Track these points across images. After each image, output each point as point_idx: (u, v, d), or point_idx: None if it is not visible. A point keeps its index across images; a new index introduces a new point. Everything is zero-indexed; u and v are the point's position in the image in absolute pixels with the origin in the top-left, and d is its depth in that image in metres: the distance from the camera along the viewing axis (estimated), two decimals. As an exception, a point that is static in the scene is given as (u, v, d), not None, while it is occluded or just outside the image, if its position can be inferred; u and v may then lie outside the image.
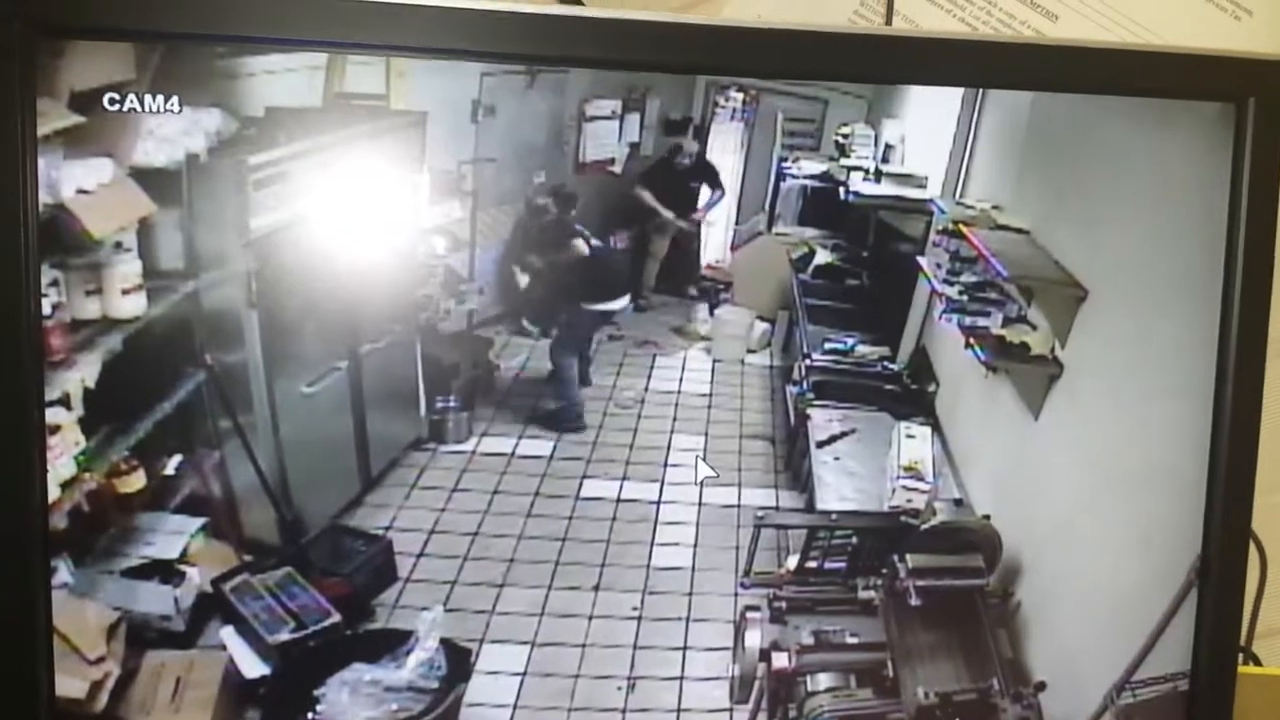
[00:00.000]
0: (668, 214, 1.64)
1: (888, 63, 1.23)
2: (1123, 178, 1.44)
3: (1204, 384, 1.33)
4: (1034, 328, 1.55)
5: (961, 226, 1.57)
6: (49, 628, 1.08)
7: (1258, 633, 1.61)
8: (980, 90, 1.54)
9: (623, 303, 1.67)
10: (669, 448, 1.63)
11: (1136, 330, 1.44)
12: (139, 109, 1.10)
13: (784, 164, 1.71)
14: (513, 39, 1.15)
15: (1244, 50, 1.27)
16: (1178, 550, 1.35)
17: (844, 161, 1.65)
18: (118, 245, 1.20)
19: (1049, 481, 1.56)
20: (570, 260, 1.56)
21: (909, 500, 1.56)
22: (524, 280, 1.61)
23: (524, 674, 1.45)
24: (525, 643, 1.47)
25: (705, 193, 1.71)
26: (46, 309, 1.10)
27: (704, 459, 1.59)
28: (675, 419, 1.67)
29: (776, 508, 1.62)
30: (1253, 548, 1.43)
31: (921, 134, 1.67)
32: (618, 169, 1.61)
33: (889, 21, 1.52)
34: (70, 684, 1.14)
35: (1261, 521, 1.41)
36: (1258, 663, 1.62)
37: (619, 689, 1.47)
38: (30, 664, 1.07)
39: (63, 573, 1.16)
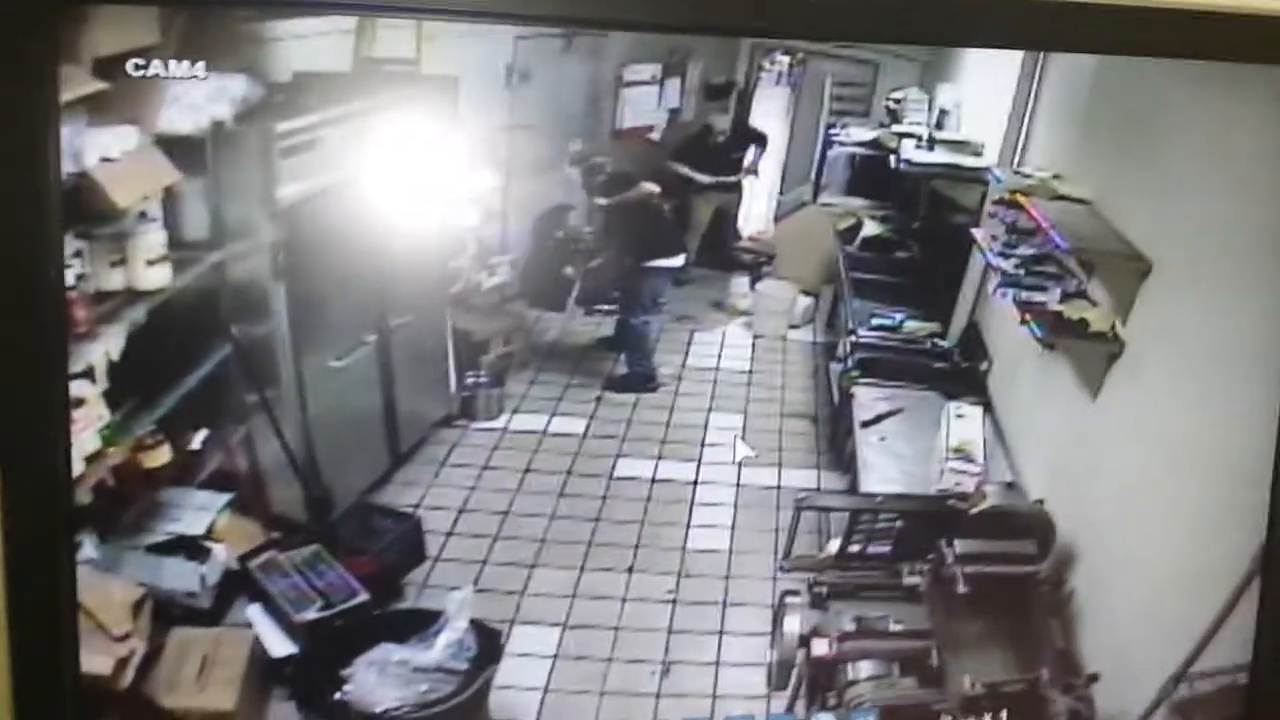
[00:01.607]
0: (704, 178, 1.61)
1: (945, 24, 1.19)
2: (1191, 146, 1.39)
3: (1274, 363, 1.31)
4: (1094, 303, 1.51)
5: (1019, 196, 1.54)
6: (74, 603, 1.08)
7: (1323, 625, 1.57)
8: (1041, 54, 1.49)
9: (680, 260, 1.64)
10: (707, 426, 1.61)
11: (1203, 306, 1.40)
12: (163, 75, 1.08)
13: (832, 131, 1.68)
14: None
15: (1323, 12, 1.22)
16: (1241, 537, 1.33)
17: (895, 128, 1.62)
18: (142, 215, 1.18)
19: (1107, 464, 1.52)
20: (639, 200, 1.54)
21: (958, 483, 1.53)
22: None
23: (555, 657, 1.44)
24: (557, 625, 1.46)
25: (750, 154, 1.68)
26: (70, 280, 1.09)
27: (743, 438, 1.56)
28: (714, 396, 1.64)
29: (818, 489, 1.60)
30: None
31: (978, 99, 1.62)
32: (657, 136, 1.58)
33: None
34: (95, 660, 1.14)
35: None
36: (1323, 656, 1.58)
37: (652, 673, 1.46)
38: (55, 640, 1.07)
39: (88, 548, 1.16)
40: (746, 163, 1.67)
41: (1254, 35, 1.22)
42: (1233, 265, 1.36)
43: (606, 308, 1.63)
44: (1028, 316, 1.52)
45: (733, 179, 1.66)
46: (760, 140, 1.67)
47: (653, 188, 1.56)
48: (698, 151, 1.61)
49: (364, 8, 1.17)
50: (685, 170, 1.59)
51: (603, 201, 1.54)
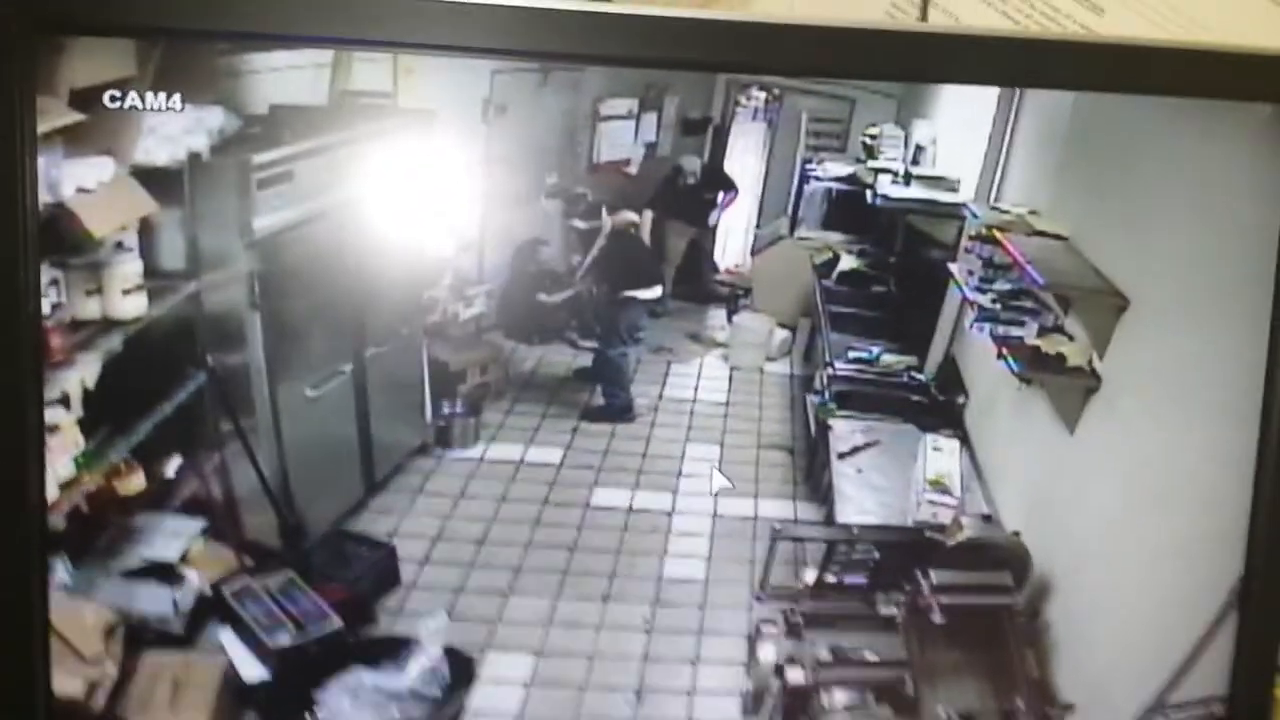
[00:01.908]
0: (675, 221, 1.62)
1: (923, 61, 1.19)
2: (1168, 182, 1.39)
3: (1250, 399, 1.29)
4: (1071, 338, 1.51)
5: (996, 232, 1.54)
6: (46, 627, 1.08)
7: (1299, 658, 1.56)
8: (1017, 90, 1.50)
9: (657, 291, 1.65)
10: (683, 457, 1.61)
11: (1180, 342, 1.40)
12: (140, 106, 1.10)
13: (808, 166, 1.69)
14: (525, 35, 1.13)
15: (1299, 49, 1.22)
16: (1217, 570, 1.32)
17: (871, 163, 1.62)
18: (118, 245, 1.20)
19: (1084, 498, 1.52)
20: (618, 229, 1.55)
21: (935, 515, 1.52)
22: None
23: (530, 684, 1.43)
24: (532, 652, 1.45)
25: (719, 202, 1.69)
26: (46, 309, 1.11)
27: (720, 469, 1.56)
28: (690, 428, 1.64)
29: (795, 520, 1.59)
30: (1295, 570, 1.40)
31: (954, 135, 1.63)
32: (633, 170, 1.59)
33: (924, 16, 1.48)
34: (68, 683, 1.14)
35: (1308, 543, 1.37)
36: (1298, 688, 1.57)
37: (627, 701, 1.45)
38: (28, 662, 1.07)
39: (61, 573, 1.17)
40: (714, 211, 1.68)
41: (1231, 72, 1.23)
42: (1210, 301, 1.36)
43: (582, 341, 1.64)
44: (1005, 351, 1.52)
45: (703, 223, 1.67)
46: (729, 187, 1.68)
47: (633, 216, 1.57)
48: (669, 195, 1.63)
49: (341, 42, 1.17)
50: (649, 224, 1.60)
51: (582, 225, 1.55)
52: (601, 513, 1.56)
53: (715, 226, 1.70)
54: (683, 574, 1.53)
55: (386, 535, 1.48)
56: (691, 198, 1.65)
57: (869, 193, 1.64)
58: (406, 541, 1.48)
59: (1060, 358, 1.50)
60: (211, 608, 1.30)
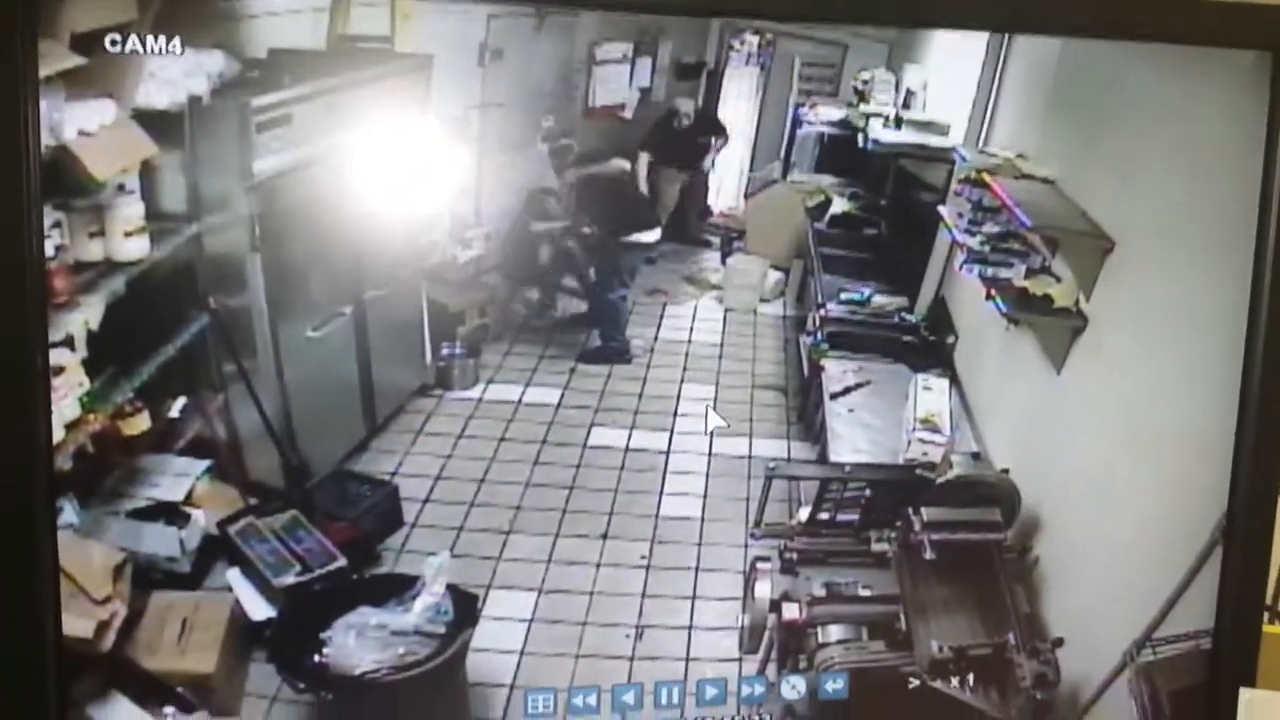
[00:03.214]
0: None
1: (913, 5, 1.21)
2: (1154, 127, 1.41)
3: (1234, 340, 1.31)
4: (1058, 280, 1.53)
5: (985, 175, 1.55)
6: (55, 567, 1.09)
7: (1284, 592, 1.59)
8: (1006, 36, 1.51)
9: (654, 235, 1.66)
10: (679, 397, 1.63)
11: (1165, 284, 1.42)
12: (140, 50, 1.09)
13: (800, 110, 1.70)
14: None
15: (1282, -2, 1.24)
16: (1203, 508, 1.34)
17: (863, 108, 1.64)
18: (120, 187, 1.19)
19: (1071, 436, 1.54)
20: (610, 176, 1.56)
21: (925, 453, 1.55)
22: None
23: (531, 620, 1.46)
24: (533, 589, 1.48)
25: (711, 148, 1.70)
26: (50, 251, 1.10)
27: (715, 409, 1.57)
28: (685, 368, 1.66)
29: (788, 459, 1.62)
30: (1280, 506, 1.42)
31: (944, 80, 1.64)
32: (628, 114, 1.59)
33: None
34: (77, 623, 1.15)
35: (1290, 480, 1.39)
36: (1284, 622, 1.60)
37: (627, 636, 1.47)
38: (37, 603, 1.07)
39: (68, 513, 1.17)
40: (707, 154, 1.69)
41: (1215, 20, 1.24)
42: (1193, 243, 1.38)
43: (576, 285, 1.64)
44: (993, 292, 1.53)
45: (699, 167, 1.68)
46: (720, 132, 1.68)
47: (624, 164, 1.57)
48: (663, 136, 1.64)
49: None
50: (644, 167, 1.60)
51: (572, 175, 1.55)
52: (599, 452, 1.58)
53: (708, 172, 1.71)
54: (679, 512, 1.56)
55: (389, 475, 1.49)
56: (685, 140, 1.66)
57: (860, 137, 1.66)
58: (408, 481, 1.50)
59: (1047, 298, 1.52)
60: (218, 547, 1.31)
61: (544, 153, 1.55)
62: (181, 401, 1.28)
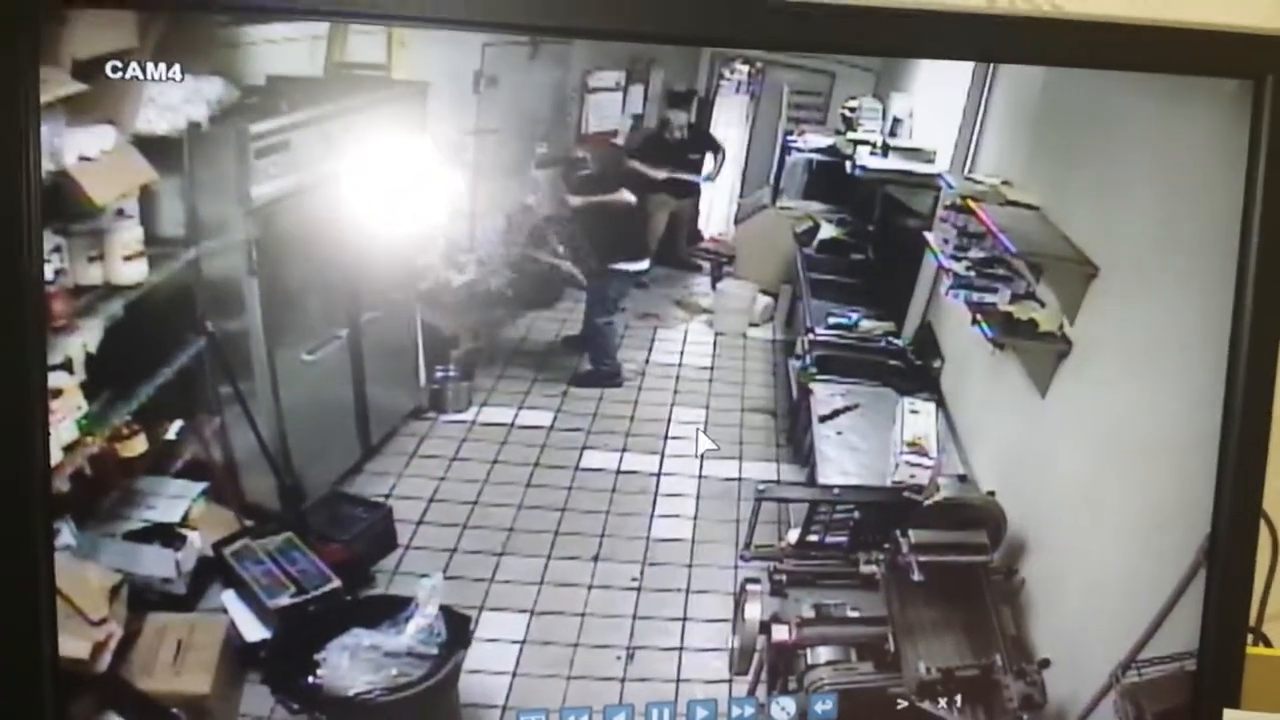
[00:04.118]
0: (658, 174, 1.63)
1: (899, 36, 1.24)
2: (1137, 154, 1.43)
3: (1216, 363, 1.33)
4: (1042, 304, 1.54)
5: (970, 202, 1.57)
6: (52, 589, 1.09)
7: (1268, 614, 1.61)
8: (992, 65, 1.52)
9: (645, 264, 1.67)
10: (670, 420, 1.63)
11: (1148, 308, 1.44)
12: (141, 77, 1.10)
13: (789, 137, 1.71)
14: (515, 8, 1.16)
15: (1263, 26, 1.26)
16: (1187, 529, 1.36)
17: (851, 135, 1.65)
18: (119, 212, 1.20)
19: (1056, 459, 1.56)
20: (614, 207, 1.57)
21: (912, 476, 1.55)
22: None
23: (523, 642, 1.46)
24: (525, 611, 1.48)
25: (708, 162, 1.71)
26: (49, 275, 1.11)
27: (705, 432, 1.58)
28: (676, 391, 1.66)
29: (778, 481, 1.62)
30: (1264, 527, 1.44)
31: (930, 108, 1.65)
32: (620, 140, 1.61)
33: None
34: (73, 644, 1.15)
35: (1273, 502, 1.41)
36: (1267, 644, 1.62)
37: (618, 658, 1.48)
38: (34, 624, 1.08)
39: (65, 535, 1.17)
40: (705, 170, 1.70)
41: (1198, 48, 1.27)
42: (1177, 269, 1.40)
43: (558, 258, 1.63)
44: (979, 317, 1.55)
45: (689, 177, 1.68)
46: (716, 149, 1.70)
47: (630, 198, 1.59)
48: (655, 148, 1.65)
49: (336, 14, 1.20)
50: (641, 168, 1.60)
51: (577, 201, 1.57)
52: (591, 474, 1.59)
53: (698, 191, 1.72)
54: (670, 534, 1.57)
55: (383, 497, 1.49)
56: (678, 153, 1.67)
57: (848, 163, 1.67)
58: (402, 503, 1.50)
59: (1032, 323, 1.54)
60: (213, 569, 1.32)
61: (538, 177, 1.56)
62: (178, 424, 1.29)
